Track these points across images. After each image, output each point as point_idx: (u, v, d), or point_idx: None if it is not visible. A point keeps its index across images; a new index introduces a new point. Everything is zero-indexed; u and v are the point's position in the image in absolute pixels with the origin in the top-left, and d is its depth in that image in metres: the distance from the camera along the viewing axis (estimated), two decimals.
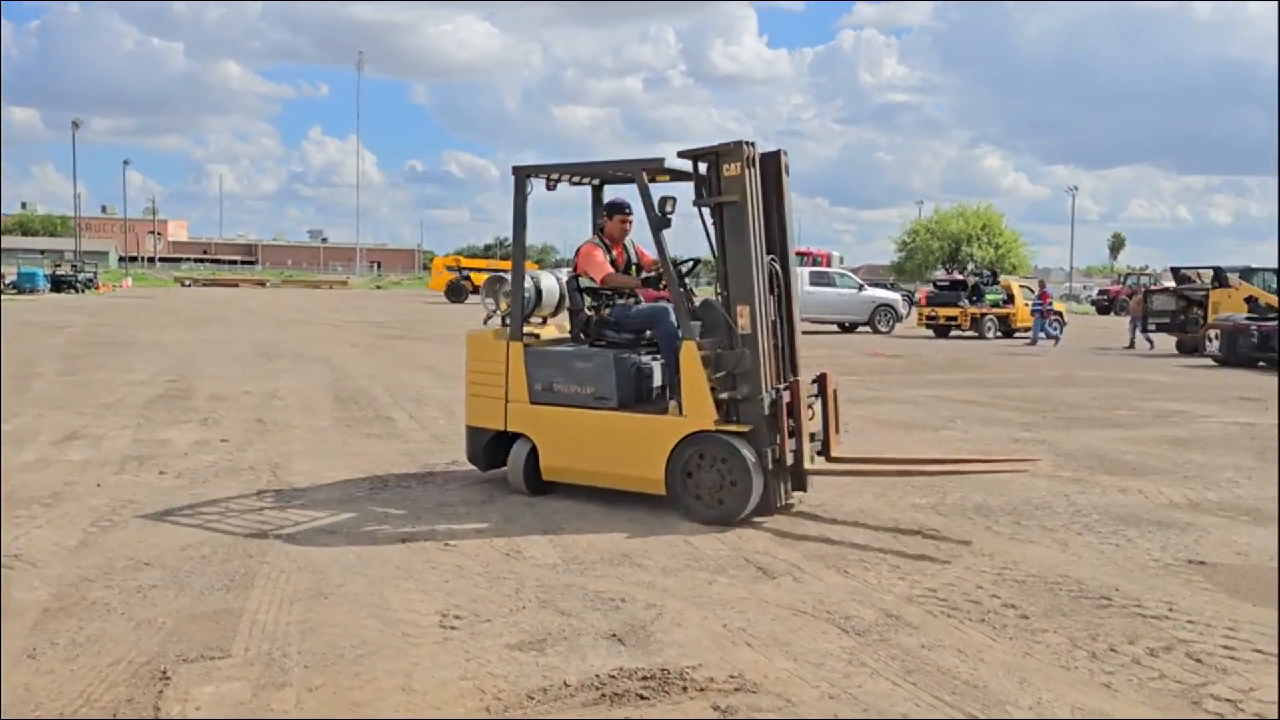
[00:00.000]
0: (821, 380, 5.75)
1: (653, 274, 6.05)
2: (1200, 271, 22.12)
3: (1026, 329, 25.05)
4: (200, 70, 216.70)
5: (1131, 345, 21.72)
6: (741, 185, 5.23)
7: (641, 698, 3.14)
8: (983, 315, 24.96)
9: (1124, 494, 6.34)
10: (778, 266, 5.54)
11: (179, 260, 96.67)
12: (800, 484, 5.75)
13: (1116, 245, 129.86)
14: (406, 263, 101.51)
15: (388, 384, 11.51)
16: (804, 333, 21.44)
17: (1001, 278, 27.42)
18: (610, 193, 6.43)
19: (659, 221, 5.44)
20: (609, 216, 6.09)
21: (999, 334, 24.98)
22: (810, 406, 5.60)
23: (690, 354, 5.32)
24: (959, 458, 5.75)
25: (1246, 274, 21.93)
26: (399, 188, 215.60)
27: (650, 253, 6.07)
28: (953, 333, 24.99)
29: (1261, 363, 16.95)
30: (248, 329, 21.78)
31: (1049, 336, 22.84)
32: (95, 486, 5.99)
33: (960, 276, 28.02)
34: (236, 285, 61.92)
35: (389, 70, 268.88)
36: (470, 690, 3.17)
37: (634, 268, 6.19)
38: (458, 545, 4.84)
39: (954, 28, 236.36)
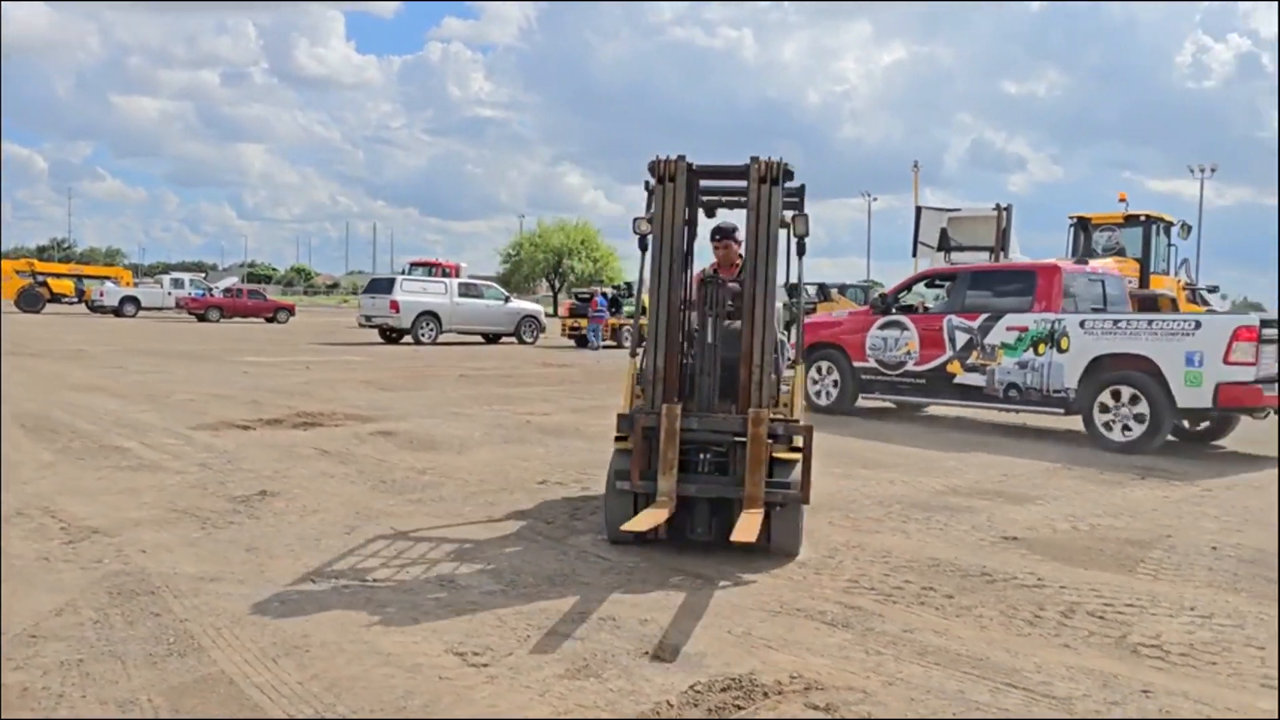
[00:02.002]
0: (746, 418, 4.97)
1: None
2: (808, 286, 25.29)
3: None
4: None
5: None
6: (655, 200, 5.28)
7: (739, 707, 3.24)
8: (621, 326, 26.54)
9: (894, 485, 7.28)
10: (710, 287, 5.32)
11: None
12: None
13: None
14: None
15: (68, 409, 9.95)
16: (449, 344, 21.44)
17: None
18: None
19: (639, 242, 5.42)
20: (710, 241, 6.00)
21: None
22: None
23: (629, 370, 5.37)
24: None
25: (843, 289, 25.50)
26: None
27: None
28: (593, 343, 26.28)
29: None
30: None
31: (595, 346, 24.85)
32: None
33: (600, 289, 29.49)
34: None
35: None
36: None
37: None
38: (379, 579, 4.50)
39: (537, 49, 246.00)
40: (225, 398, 11.36)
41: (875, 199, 68.61)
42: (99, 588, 4.27)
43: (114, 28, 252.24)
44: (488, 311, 25.58)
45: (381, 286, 24.66)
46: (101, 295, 36.41)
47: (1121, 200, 18.06)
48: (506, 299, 26.67)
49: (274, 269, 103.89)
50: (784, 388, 5.36)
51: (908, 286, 11.98)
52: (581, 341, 25.86)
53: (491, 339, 26.11)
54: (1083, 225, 17.70)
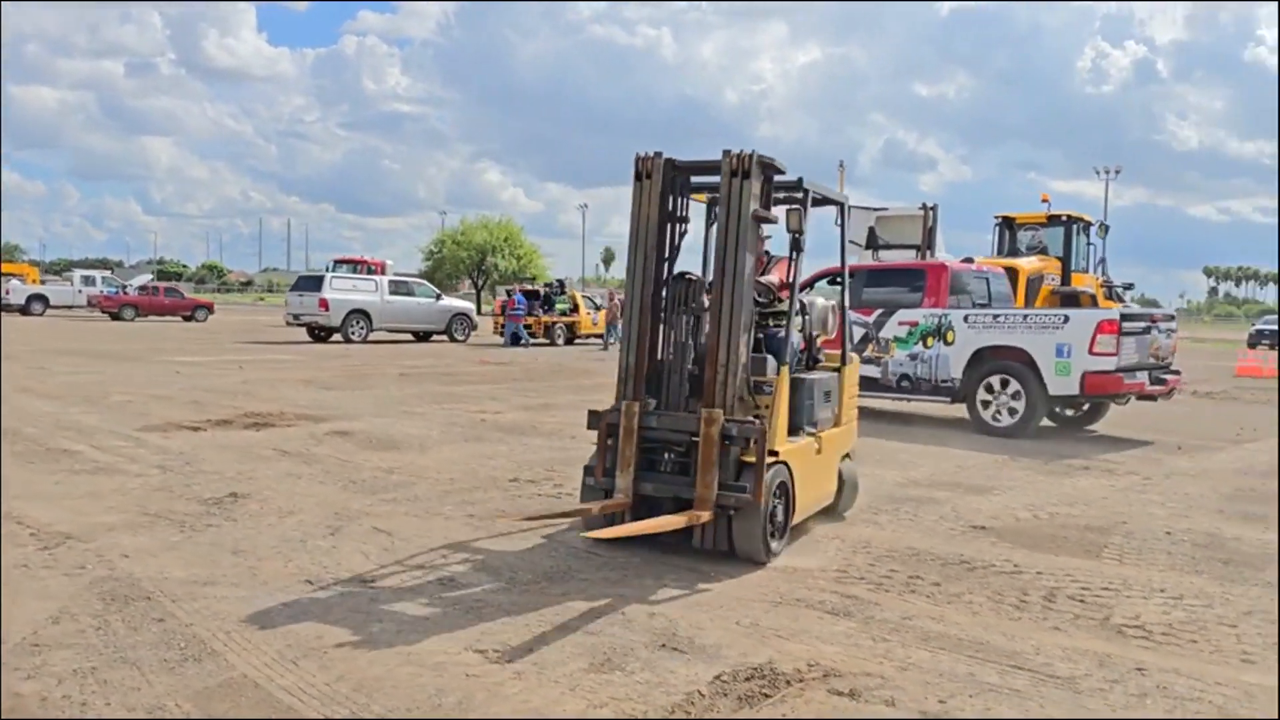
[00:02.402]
0: (699, 419, 4.85)
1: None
2: None
3: (592, 335, 27.14)
4: None
5: (605, 347, 24.75)
6: (633, 198, 5.20)
7: (766, 695, 3.32)
8: (554, 323, 26.53)
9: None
10: (682, 284, 5.26)
11: None
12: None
13: (608, 259, 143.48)
14: None
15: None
16: (380, 342, 21.30)
17: (568, 289, 29.25)
18: None
19: None
20: None
21: (566, 340, 26.75)
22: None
23: None
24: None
25: None
26: None
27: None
28: (524, 340, 26.16)
29: None
30: None
31: (525, 343, 24.70)
32: None
33: (533, 287, 29.38)
34: None
35: None
36: (623, 714, 3.12)
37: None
38: (377, 580, 4.47)
39: (456, 45, 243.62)
40: (164, 398, 11.05)
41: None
42: (89, 594, 4.15)
43: (10, 15, 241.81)
44: (418, 309, 25.26)
45: (310, 284, 24.15)
46: (7, 293, 34.89)
47: (1044, 201, 18.65)
48: (438, 296, 26.36)
49: (184, 266, 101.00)
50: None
51: (810, 284, 12.38)
52: (515, 339, 25.74)
53: (422, 337, 25.79)
54: (1007, 224, 18.26)
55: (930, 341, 10.66)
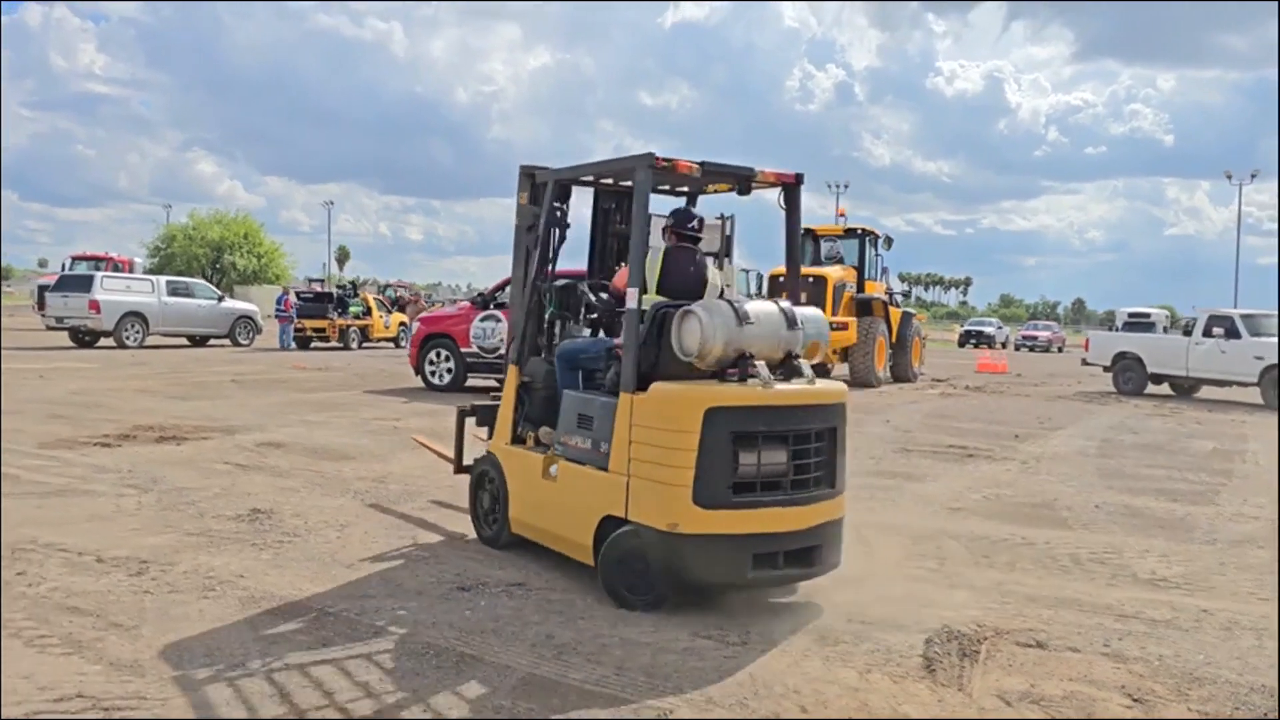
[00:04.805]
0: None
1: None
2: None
3: (384, 339, 26.56)
4: None
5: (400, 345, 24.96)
6: None
7: (975, 652, 3.87)
8: (348, 327, 25.69)
9: None
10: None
11: None
12: None
13: (343, 257, 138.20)
14: None
15: None
16: (159, 347, 20.29)
17: (361, 291, 28.33)
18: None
19: None
20: None
21: (359, 344, 25.99)
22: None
23: None
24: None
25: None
26: None
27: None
28: (315, 344, 25.14)
29: None
30: None
31: (287, 346, 24.19)
32: None
33: (323, 289, 28.17)
34: None
35: None
36: (894, 676, 3.57)
37: None
38: (529, 583, 4.61)
39: (163, 24, 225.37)
40: (11, 412, 9.99)
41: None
42: (260, 613, 4.04)
43: None
44: (199, 312, 23.57)
45: (77, 284, 21.94)
46: None
47: (840, 215, 20.44)
48: (220, 298, 24.75)
49: None
50: None
51: (502, 286, 13.82)
52: (304, 343, 24.70)
53: (198, 341, 24.12)
54: (810, 235, 19.83)
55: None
